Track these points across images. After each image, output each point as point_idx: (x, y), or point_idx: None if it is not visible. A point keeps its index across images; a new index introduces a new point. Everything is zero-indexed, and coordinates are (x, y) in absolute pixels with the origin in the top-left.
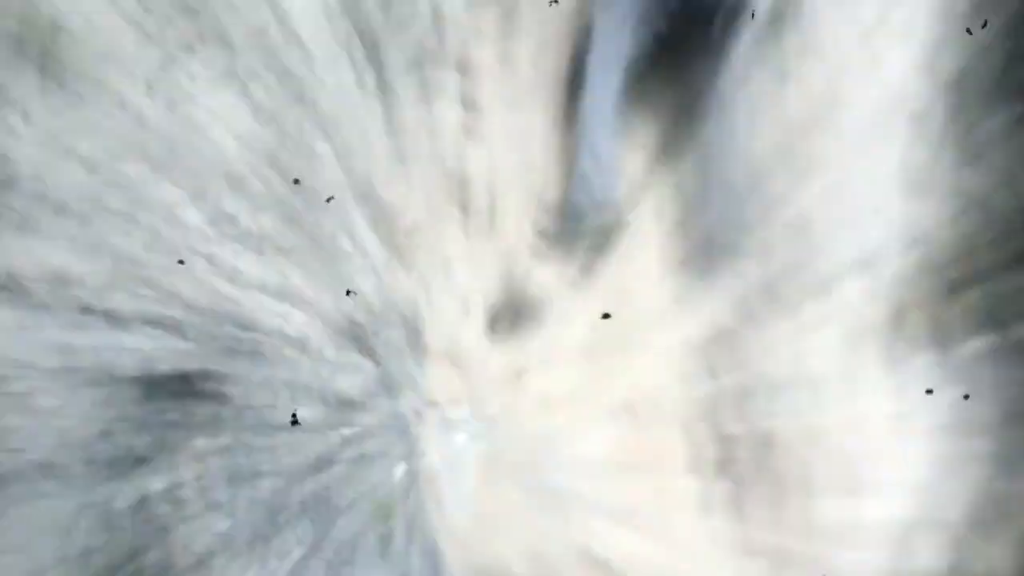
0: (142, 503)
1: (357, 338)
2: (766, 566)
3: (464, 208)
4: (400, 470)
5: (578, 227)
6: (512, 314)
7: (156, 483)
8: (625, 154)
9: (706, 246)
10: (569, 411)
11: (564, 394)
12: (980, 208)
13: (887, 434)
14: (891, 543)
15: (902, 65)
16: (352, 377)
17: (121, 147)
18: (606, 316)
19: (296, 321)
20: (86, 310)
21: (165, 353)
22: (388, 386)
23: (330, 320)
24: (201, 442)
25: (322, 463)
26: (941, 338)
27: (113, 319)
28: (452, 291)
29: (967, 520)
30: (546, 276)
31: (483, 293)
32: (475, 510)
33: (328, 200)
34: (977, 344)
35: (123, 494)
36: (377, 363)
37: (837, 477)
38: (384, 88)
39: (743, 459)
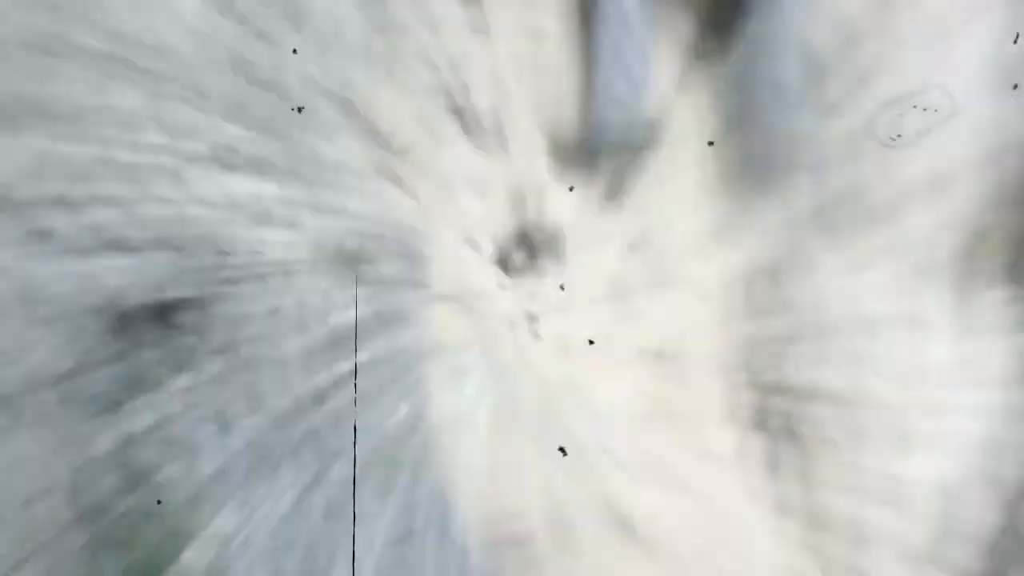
0: (127, 443)
1: (350, 264)
2: (802, 526)
3: (465, 123)
4: (402, 412)
5: (600, 144)
6: (526, 247)
7: (139, 423)
8: (654, 55)
9: (749, 166)
10: (590, 356)
11: (584, 339)
12: None
13: (946, 383)
14: (938, 503)
15: None
16: (346, 310)
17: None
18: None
19: (279, 245)
20: (42, 235)
21: (136, 280)
22: (386, 321)
23: (321, 247)
24: (184, 379)
25: (316, 401)
26: (1019, 273)
27: (74, 246)
28: (456, 221)
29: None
30: (564, 203)
31: (491, 223)
32: (487, 461)
33: (297, 110)
34: None
35: (104, 435)
36: (374, 295)
37: (885, 432)
38: None
39: (783, 410)
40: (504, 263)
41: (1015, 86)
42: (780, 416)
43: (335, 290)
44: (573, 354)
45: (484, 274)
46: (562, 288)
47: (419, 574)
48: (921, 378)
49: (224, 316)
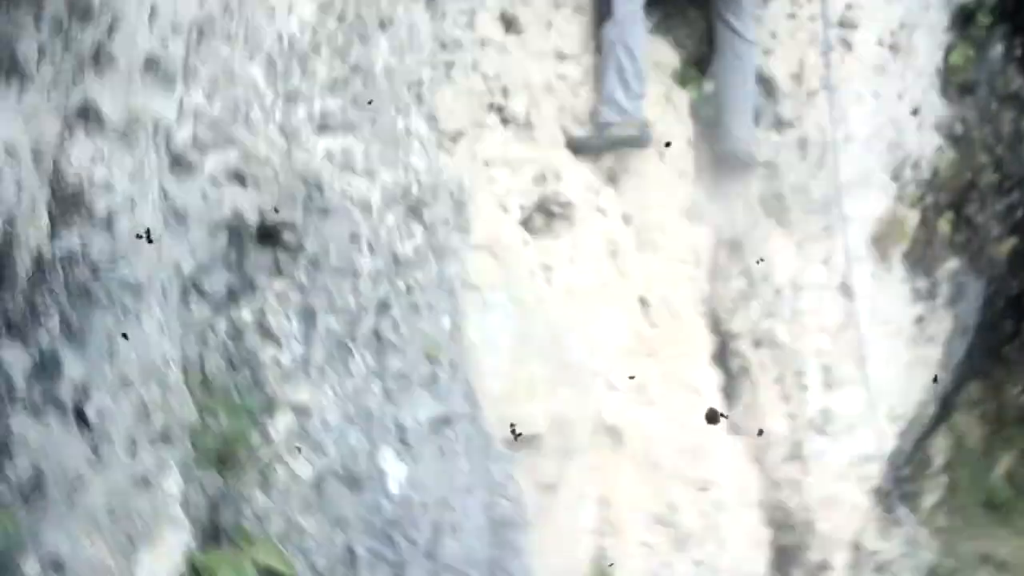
0: (236, 330)
1: (412, 209)
2: (752, 444)
3: (503, 117)
4: (446, 322)
5: (605, 138)
6: (544, 214)
7: (246, 315)
8: (648, 76)
9: (718, 162)
10: (591, 302)
11: (587, 287)
12: (965, 140)
13: (866, 338)
14: (858, 431)
15: None
16: (407, 240)
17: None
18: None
19: (360, 188)
20: (180, 159)
21: (251, 205)
22: (438, 252)
23: (389, 191)
24: (280, 283)
25: (381, 308)
26: (920, 259)
27: (203, 172)
28: (492, 190)
29: (916, 415)
30: (575, 182)
31: (519, 193)
32: (505, 377)
33: (369, 103)
34: (951, 265)
35: (219, 322)
36: (428, 231)
37: (819, 373)
38: (431, 3)
39: (740, 352)
40: (527, 224)
41: (914, 111)
42: (737, 357)
43: (399, 223)
44: (577, 300)
45: (511, 232)
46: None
47: (455, 451)
48: (847, 333)
49: (314, 238)
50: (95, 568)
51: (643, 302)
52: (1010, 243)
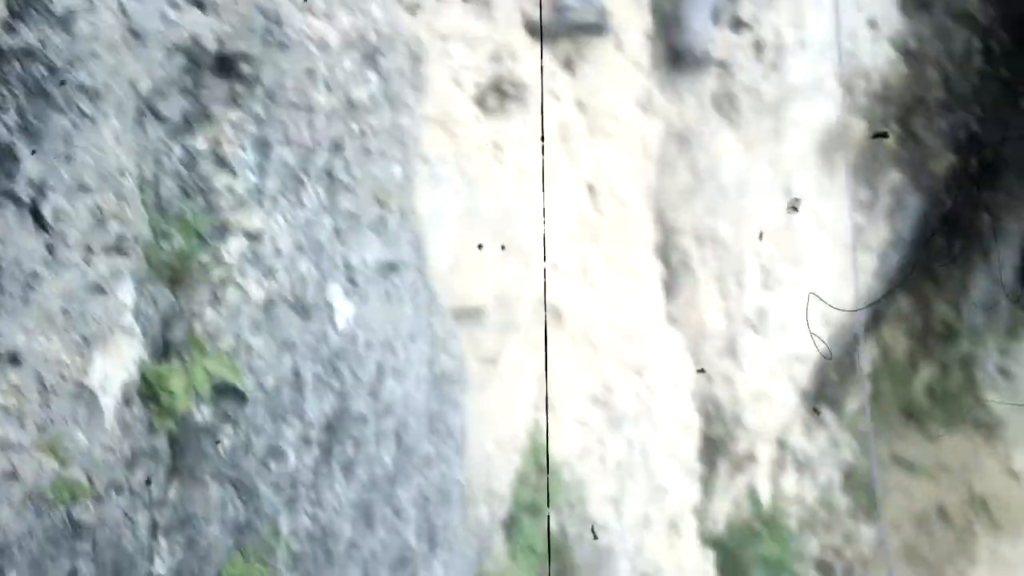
0: (190, 157)
1: (369, 56)
2: (687, 336)
3: None
4: (398, 171)
5: (563, 24)
6: (499, 94)
7: (201, 143)
8: None
9: (673, 57)
10: (539, 183)
11: (536, 169)
12: (918, 56)
13: (808, 242)
14: (789, 332)
15: None
16: (362, 86)
17: None
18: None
19: (318, 28)
20: None
21: (210, 33)
22: (392, 102)
23: (346, 34)
24: (236, 114)
25: (334, 147)
26: (864, 168)
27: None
28: (447, 64)
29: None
30: (531, 65)
31: (474, 70)
32: (451, 251)
33: None
34: (893, 178)
35: (174, 148)
36: (384, 80)
37: (759, 274)
38: None
39: (683, 247)
40: (481, 102)
41: (871, 23)
42: (679, 252)
43: (355, 68)
44: (526, 180)
45: (464, 108)
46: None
47: (401, 297)
48: (787, 236)
49: (271, 71)
50: (50, 363)
51: (591, 188)
52: (949, 160)
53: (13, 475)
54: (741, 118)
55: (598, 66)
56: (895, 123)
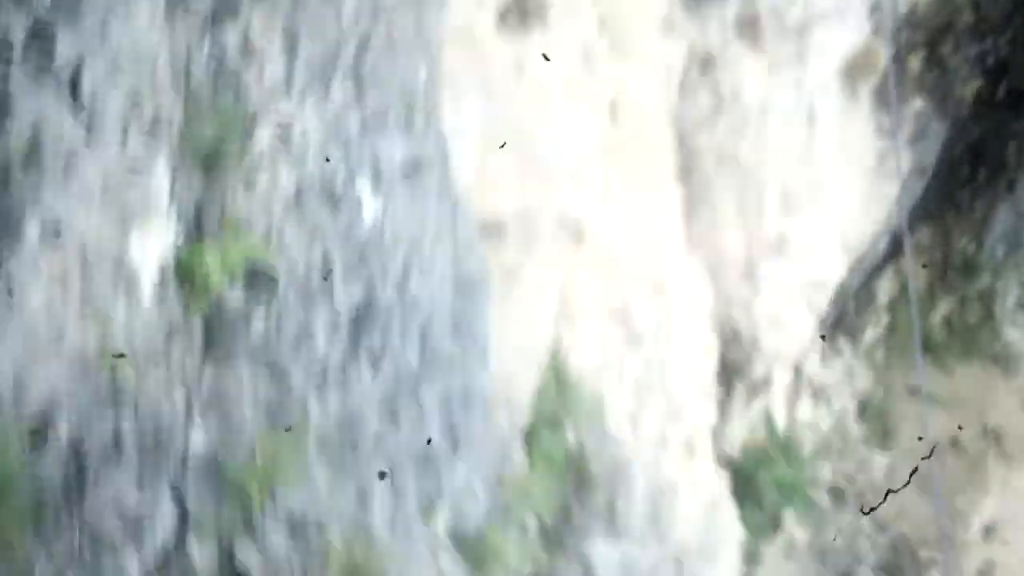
0: (220, 49)
1: None
2: (707, 263)
3: None
4: (423, 72)
5: None
6: (520, 11)
7: (231, 36)
8: None
9: None
10: (562, 102)
11: (559, 87)
12: None
13: (830, 169)
14: (808, 258)
15: None
16: None
17: None
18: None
19: None
20: None
21: None
22: (420, 4)
23: None
24: (264, 7)
25: (361, 43)
26: (884, 94)
27: None
28: None
29: (867, 249)
30: None
31: None
32: (474, 168)
33: None
34: (916, 105)
35: (204, 41)
36: None
37: (777, 196)
38: None
39: (704, 171)
40: (503, 20)
41: None
42: (700, 174)
43: None
44: (548, 99)
45: (486, 25)
46: (545, 57)
47: (427, 195)
48: (809, 161)
49: None
50: (90, 238)
51: (612, 107)
52: (976, 86)
53: (60, 337)
54: (764, 42)
55: None
56: (921, 47)
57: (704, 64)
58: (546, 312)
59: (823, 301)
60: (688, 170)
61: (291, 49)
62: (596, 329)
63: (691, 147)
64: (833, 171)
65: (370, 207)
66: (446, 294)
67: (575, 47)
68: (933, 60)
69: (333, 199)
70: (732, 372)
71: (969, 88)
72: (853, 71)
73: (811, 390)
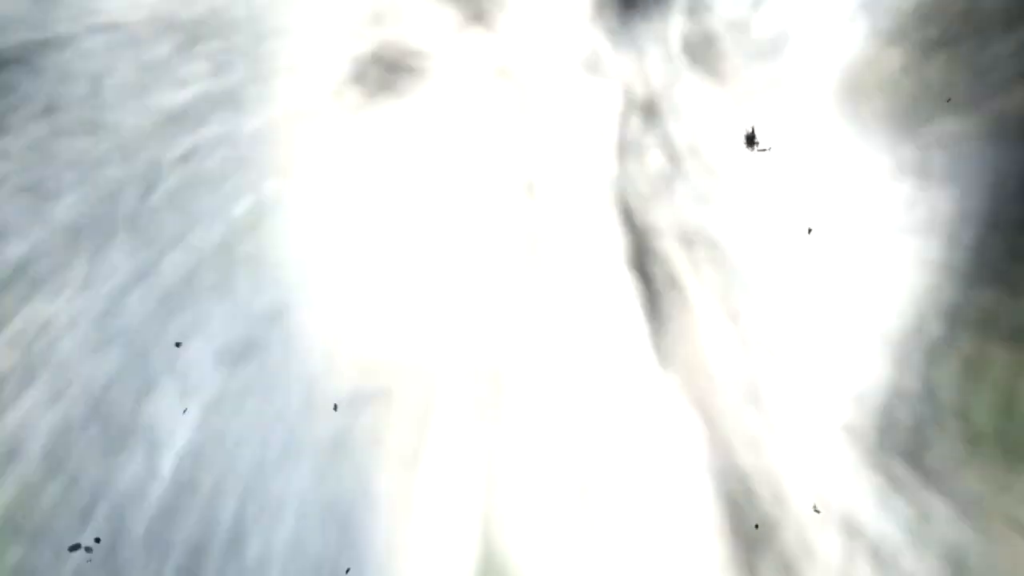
0: None
1: (195, 39)
2: (685, 381)
3: None
4: (243, 204)
5: None
6: (383, 69)
7: None
8: None
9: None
10: (457, 193)
11: (451, 172)
12: None
13: (839, 232)
14: (835, 361)
15: None
16: (185, 87)
17: None
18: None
19: (116, 7)
20: None
21: None
22: (233, 101)
23: (159, 12)
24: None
25: (150, 181)
26: (904, 113)
27: None
28: (306, 43)
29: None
30: (430, 22)
31: (347, 38)
32: (341, 319)
33: None
34: (946, 126)
35: None
36: (217, 72)
37: (776, 284)
38: None
39: (665, 255)
40: (360, 79)
41: None
42: (660, 261)
43: (175, 62)
44: (435, 194)
45: (337, 93)
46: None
47: (263, 394)
48: (809, 220)
49: (49, 73)
50: None
51: (528, 187)
52: (1022, 94)
53: None
54: (726, 67)
55: (522, 15)
56: (940, 47)
57: (647, 111)
58: (465, 511)
59: (863, 417)
60: (642, 256)
61: (33, 215)
62: (541, 521)
63: (642, 224)
64: (845, 234)
65: (174, 439)
66: (310, 535)
67: (467, 110)
68: (958, 63)
69: (112, 438)
70: (751, 549)
71: (1014, 97)
72: (853, 89)
73: (870, 551)
